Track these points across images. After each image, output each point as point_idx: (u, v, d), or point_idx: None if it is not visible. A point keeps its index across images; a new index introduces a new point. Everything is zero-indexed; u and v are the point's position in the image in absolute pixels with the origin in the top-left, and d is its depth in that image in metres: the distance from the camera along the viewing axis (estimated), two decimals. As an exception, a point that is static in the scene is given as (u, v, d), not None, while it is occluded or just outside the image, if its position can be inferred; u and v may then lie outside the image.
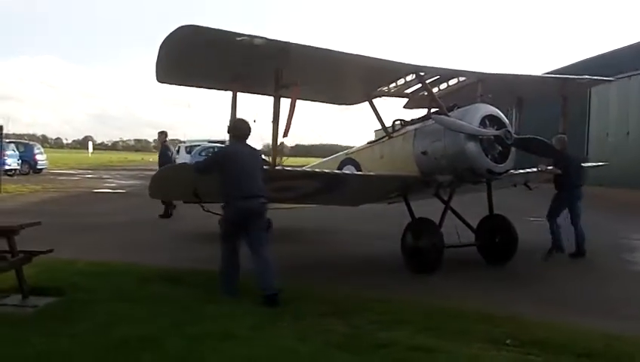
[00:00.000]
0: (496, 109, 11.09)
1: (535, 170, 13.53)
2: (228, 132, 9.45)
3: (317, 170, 13.33)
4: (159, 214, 18.88)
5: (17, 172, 39.71)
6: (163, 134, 20.20)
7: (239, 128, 9.46)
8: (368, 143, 13.24)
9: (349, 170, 12.80)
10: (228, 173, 9.02)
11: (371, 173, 12.25)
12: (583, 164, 13.72)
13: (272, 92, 10.31)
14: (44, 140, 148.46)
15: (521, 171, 13.42)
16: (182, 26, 9.12)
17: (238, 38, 9.46)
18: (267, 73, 10.19)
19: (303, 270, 11.47)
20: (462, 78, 12.33)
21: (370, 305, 8.33)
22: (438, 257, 10.95)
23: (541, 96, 14.33)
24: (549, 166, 13.00)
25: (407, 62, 11.29)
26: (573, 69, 36.18)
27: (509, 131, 10.74)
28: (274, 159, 10.76)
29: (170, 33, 9.21)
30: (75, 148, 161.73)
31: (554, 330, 7.35)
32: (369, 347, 6.54)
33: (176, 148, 37.83)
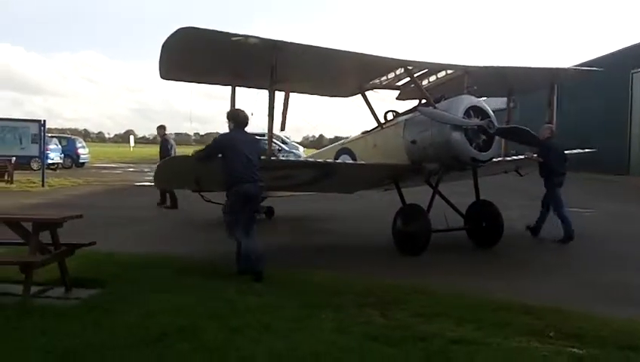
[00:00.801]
0: (481, 100, 10.78)
1: (522, 157, 13.20)
2: (227, 119, 9.23)
3: (311, 159, 13.07)
4: (167, 206, 17.89)
5: (60, 166, 37.53)
6: (162, 128, 19.16)
7: (237, 117, 9.32)
8: (362, 133, 12.94)
9: (344, 159, 12.71)
10: (228, 159, 8.88)
11: (363, 162, 12.01)
12: (565, 152, 13.00)
13: (267, 87, 10.15)
14: (85, 134, 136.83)
15: (509, 159, 13.14)
16: (181, 28, 9.15)
17: (234, 38, 9.49)
18: (263, 69, 9.91)
19: (315, 257, 10.59)
20: (450, 71, 12.03)
21: (409, 297, 7.52)
22: (426, 240, 10.57)
23: (531, 86, 13.94)
24: (535, 154, 12.59)
25: (395, 57, 11.06)
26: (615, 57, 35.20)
27: (491, 121, 10.45)
28: (269, 149, 10.68)
29: (171, 35, 9.20)
30: (116, 142, 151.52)
31: (596, 322, 6.61)
32: (409, 339, 5.86)
33: None
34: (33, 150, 25.07)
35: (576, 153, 15.56)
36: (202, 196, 10.43)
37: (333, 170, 11.30)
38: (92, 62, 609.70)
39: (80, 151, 42.34)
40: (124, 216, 15.79)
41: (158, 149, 19.20)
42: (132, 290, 7.37)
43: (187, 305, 6.77)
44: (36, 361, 5.10)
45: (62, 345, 5.41)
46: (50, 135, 35.60)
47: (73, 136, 47.63)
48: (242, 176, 8.77)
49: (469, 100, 10.65)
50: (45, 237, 7.55)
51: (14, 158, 25.44)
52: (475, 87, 11.20)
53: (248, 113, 9.54)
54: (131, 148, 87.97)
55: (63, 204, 17.70)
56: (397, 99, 13.19)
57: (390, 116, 12.10)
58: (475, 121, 10.37)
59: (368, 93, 12.56)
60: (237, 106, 10.35)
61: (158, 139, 19.41)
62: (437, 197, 11.43)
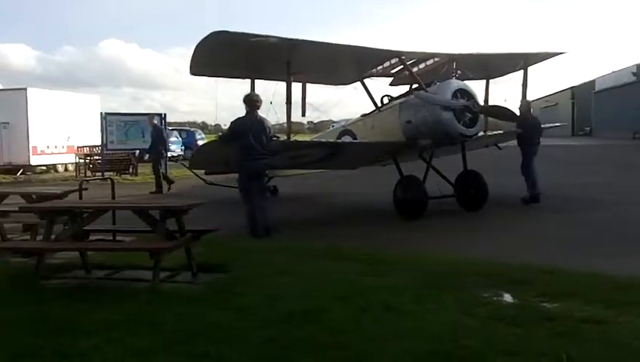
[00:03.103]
0: (466, 83, 8.49)
1: (501, 132, 10.66)
2: (243, 103, 7.11)
3: (323, 140, 10.32)
4: (150, 191, 12.63)
5: (181, 158, 25.39)
6: (153, 117, 14.35)
7: (250, 101, 7.11)
8: (362, 116, 10.27)
9: (346, 139, 10.00)
10: (241, 139, 6.83)
11: (367, 141, 9.38)
12: (540, 125, 10.52)
13: (284, 79, 7.85)
14: (204, 126, 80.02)
15: (490, 133, 10.44)
16: (214, 32, 7.12)
17: (254, 39, 7.32)
18: (280, 64, 7.69)
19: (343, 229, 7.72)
20: (437, 59, 9.49)
21: (534, 277, 4.66)
22: (422, 206, 8.22)
23: (507, 69, 10.80)
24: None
25: (390, 49, 8.76)
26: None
27: (476, 101, 8.27)
28: (289, 132, 8.18)
29: (204, 38, 7.18)
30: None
31: None
32: (536, 319, 3.65)
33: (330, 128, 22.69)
34: (155, 143, 17.47)
35: (548, 127, 12.86)
36: (204, 180, 8.43)
37: (341, 149, 8.86)
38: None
39: (199, 143, 28.77)
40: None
41: (151, 137, 13.58)
42: (255, 274, 4.94)
43: (310, 288, 4.42)
44: (167, 339, 3.40)
45: (191, 325, 3.60)
46: (170, 128, 24.54)
47: (192, 129, 34.80)
48: (250, 155, 6.76)
49: (456, 84, 8.32)
50: (170, 225, 5.23)
51: (138, 151, 18.23)
52: (460, 72, 8.78)
53: (267, 102, 7.58)
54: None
55: (185, 194, 12.07)
56: (390, 85, 10.44)
57: (386, 100, 9.51)
58: (462, 102, 8.09)
59: (366, 81, 9.86)
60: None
61: (150, 127, 14.06)
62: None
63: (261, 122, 6.96)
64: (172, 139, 23.89)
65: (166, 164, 13.62)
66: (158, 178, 12.84)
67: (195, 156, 8.48)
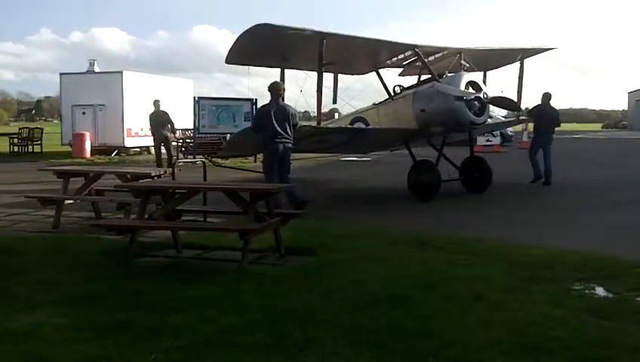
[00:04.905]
0: (476, 76, 7.22)
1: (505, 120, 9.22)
2: (268, 90, 5.77)
3: (348, 125, 8.44)
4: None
5: None
6: (156, 101, 11.27)
7: (273, 88, 5.73)
8: (374, 104, 8.50)
9: (359, 125, 8.20)
10: (265, 125, 5.57)
11: (383, 127, 7.83)
12: (557, 117, 8.72)
13: (315, 68, 6.48)
14: None
15: (491, 122, 8.80)
16: (258, 25, 5.82)
17: (291, 32, 6.07)
18: (311, 55, 6.33)
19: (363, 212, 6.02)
20: (446, 52, 7.87)
21: (627, 271, 3.38)
22: (436, 188, 6.86)
23: (504, 62, 8.92)
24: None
25: (406, 42, 7.35)
26: None
27: (485, 93, 7.00)
28: (319, 119, 6.89)
29: (248, 29, 5.88)
30: (322, 120, 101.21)
31: None
32: (628, 314, 2.67)
33: None
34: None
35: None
36: (212, 162, 7.06)
37: (362, 134, 7.43)
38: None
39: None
40: (332, 189, 8.27)
41: (156, 121, 11.01)
42: (342, 259, 3.81)
43: (396, 274, 3.38)
44: (254, 319, 2.61)
45: (279, 306, 2.76)
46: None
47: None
48: (273, 138, 5.49)
49: (467, 76, 7.01)
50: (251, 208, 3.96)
51: (229, 135, 13.43)
52: (467, 65, 7.37)
53: (297, 90, 6.36)
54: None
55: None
56: (400, 75, 8.74)
57: (398, 89, 7.92)
58: (474, 93, 6.82)
59: (380, 71, 8.19)
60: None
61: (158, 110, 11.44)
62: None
63: (284, 108, 5.72)
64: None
65: (169, 149, 11.39)
66: (158, 160, 10.86)
67: (228, 143, 7.36)
